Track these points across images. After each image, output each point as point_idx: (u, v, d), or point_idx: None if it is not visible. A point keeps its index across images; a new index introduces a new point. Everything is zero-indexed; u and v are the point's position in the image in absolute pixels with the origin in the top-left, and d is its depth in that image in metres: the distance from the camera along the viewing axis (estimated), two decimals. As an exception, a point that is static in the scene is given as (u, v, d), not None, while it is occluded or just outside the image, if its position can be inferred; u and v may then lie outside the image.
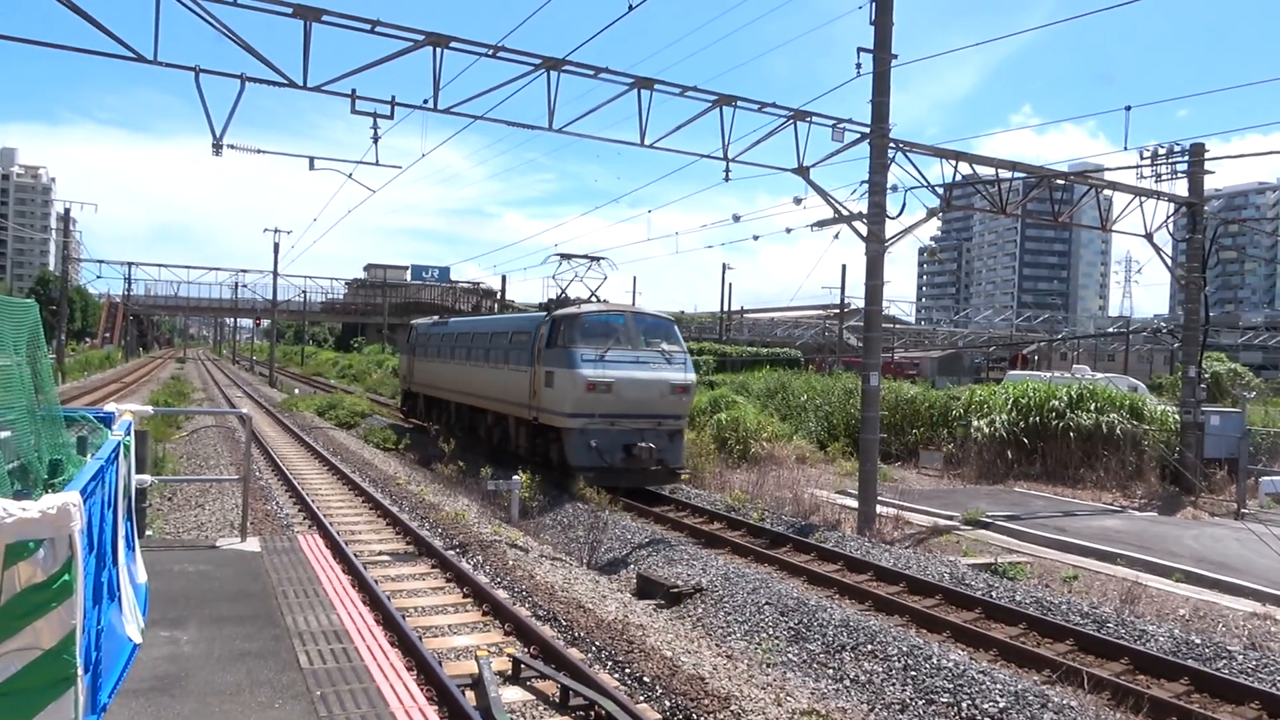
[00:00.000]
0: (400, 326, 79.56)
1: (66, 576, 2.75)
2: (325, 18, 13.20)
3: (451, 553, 11.43)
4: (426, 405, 27.91)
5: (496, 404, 21.01)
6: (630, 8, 12.66)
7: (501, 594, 9.64)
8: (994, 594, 10.60)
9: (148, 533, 9.10)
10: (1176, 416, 20.98)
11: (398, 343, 36.49)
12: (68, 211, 57.81)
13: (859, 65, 15.03)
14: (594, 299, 20.07)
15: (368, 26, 13.52)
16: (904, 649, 8.44)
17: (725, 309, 62.30)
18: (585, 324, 17.76)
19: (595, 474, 16.79)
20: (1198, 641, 9.05)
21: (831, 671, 8.33)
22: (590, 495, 15.47)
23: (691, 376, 18.13)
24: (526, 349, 19.10)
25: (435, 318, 32.52)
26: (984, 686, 7.62)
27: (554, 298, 20.32)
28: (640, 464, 17.06)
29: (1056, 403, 21.84)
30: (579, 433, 16.95)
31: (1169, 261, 22.35)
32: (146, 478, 7.57)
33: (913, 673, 8.04)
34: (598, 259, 21.01)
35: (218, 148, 14.23)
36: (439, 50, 13.98)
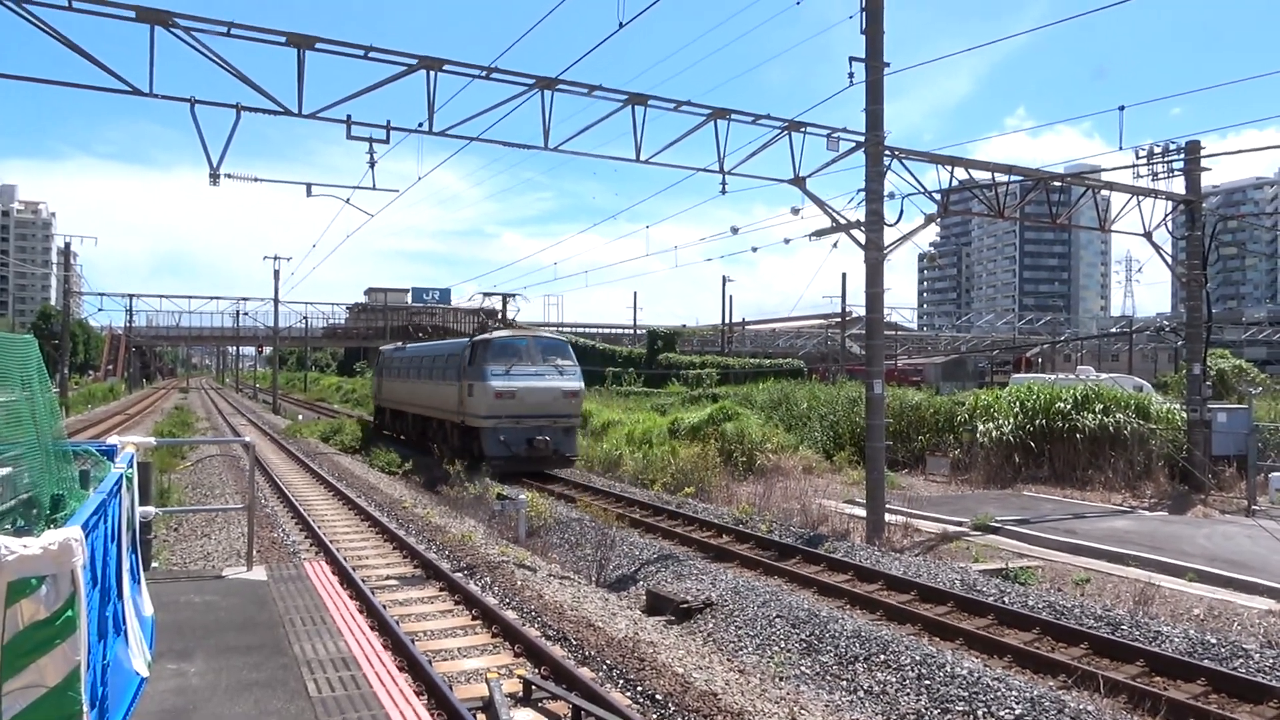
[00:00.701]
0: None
1: (70, 612, 2.73)
2: (319, 45, 13.28)
3: (459, 575, 11.39)
4: (392, 417, 32.48)
5: (438, 412, 25.56)
6: (620, 25, 12.72)
7: (510, 615, 9.59)
8: (1006, 599, 10.53)
9: (153, 564, 9.08)
10: (1183, 415, 20.91)
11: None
12: (68, 246, 58.00)
13: (852, 74, 15.09)
14: (513, 325, 25.92)
15: (361, 53, 13.59)
16: (917, 658, 8.38)
17: (727, 321, 62.32)
18: (495, 346, 22.37)
19: (504, 462, 21.13)
20: (1214, 641, 8.97)
21: (845, 683, 8.27)
22: (597, 512, 15.43)
23: (579, 384, 22.81)
24: (456, 368, 23.60)
25: (398, 344, 36.42)
26: (999, 694, 7.56)
27: (478, 325, 27.71)
28: (539, 453, 21.56)
29: (1062, 404, 21.77)
30: (492, 430, 21.43)
31: (1169, 260, 22.35)
32: (151, 509, 7.55)
33: (927, 682, 7.97)
34: (513, 295, 28.27)
35: (215, 177, 14.28)
36: (432, 73, 14.04)
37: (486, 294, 28.10)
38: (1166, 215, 21.23)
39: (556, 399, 22.09)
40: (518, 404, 21.56)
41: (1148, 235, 20.83)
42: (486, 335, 23.83)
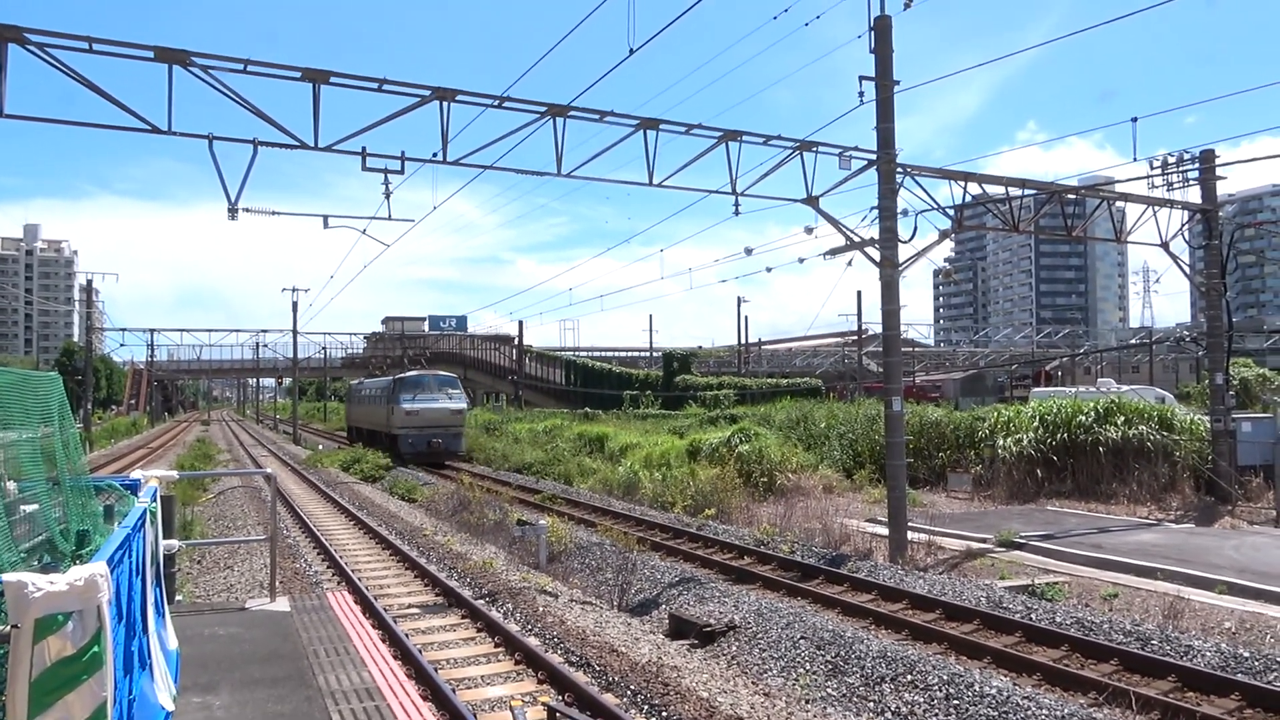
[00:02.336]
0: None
1: (96, 648, 2.74)
2: (333, 79, 13.45)
3: (481, 602, 11.37)
4: (356, 433, 45.05)
5: (377, 426, 37.75)
6: (631, 51, 12.84)
7: (533, 641, 9.56)
8: (1033, 616, 10.40)
9: (178, 598, 9.12)
10: (1207, 425, 20.68)
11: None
12: (90, 283, 58.71)
13: (862, 93, 15.13)
14: (421, 364, 45.84)
15: (375, 85, 13.75)
16: (944, 677, 8.29)
17: (743, 342, 62.26)
18: (407, 382, 35.45)
19: (412, 456, 32.88)
20: (1246, 655, 8.83)
21: (872, 705, 8.18)
22: (617, 536, 15.39)
23: (463, 405, 36.09)
24: (386, 396, 36.18)
25: (359, 380, 51.75)
26: (1029, 713, 7.45)
27: (404, 367, 46.42)
28: (435, 450, 33.39)
29: (1084, 418, 21.57)
30: (404, 435, 33.68)
31: (1187, 269, 22.21)
32: (174, 542, 7.60)
33: (955, 702, 7.88)
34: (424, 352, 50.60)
35: (233, 212, 14.43)
36: (446, 104, 14.18)
37: (407, 347, 46.45)
38: (1183, 225, 21.11)
39: (446, 415, 34.45)
40: (420, 419, 33.82)
41: (1165, 245, 20.70)
42: (402, 374, 37.32)
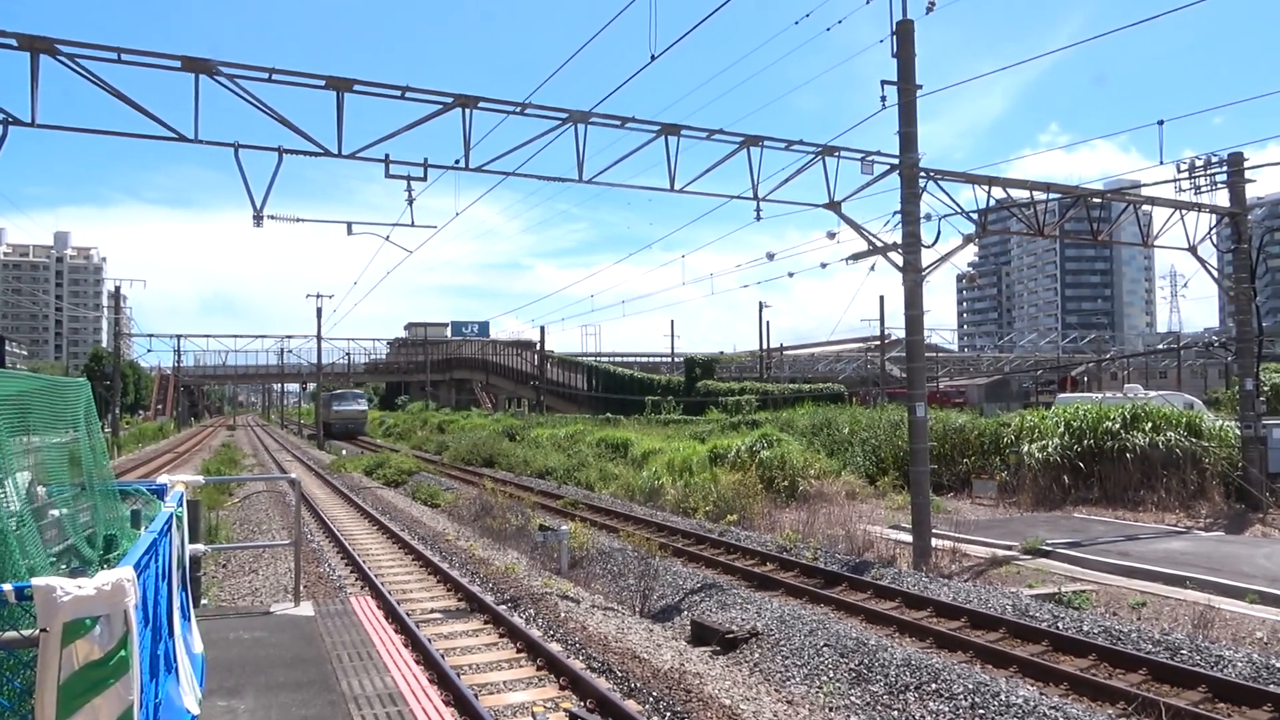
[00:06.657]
0: (443, 383, 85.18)
1: (123, 652, 2.76)
2: (356, 87, 13.55)
3: (503, 607, 11.39)
4: (325, 428, 65.18)
5: (324, 419, 65.18)
6: (652, 57, 12.85)
7: (555, 647, 9.56)
8: (1060, 625, 10.28)
9: (203, 602, 9.18)
10: (1237, 431, 20.38)
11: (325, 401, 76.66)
12: (118, 289, 59.53)
13: (884, 98, 15.06)
14: (349, 384, 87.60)
15: (398, 93, 13.84)
16: (970, 686, 8.20)
17: (764, 347, 62.08)
18: (336, 395, 72.41)
19: (338, 437, 63.08)
20: (1279, 665, 8.68)
21: (896, 713, 8.11)
22: (639, 542, 15.36)
23: (364, 407, 72.89)
24: (329, 403, 68.95)
25: (327, 392, 73.83)
26: (1056, 723, 7.35)
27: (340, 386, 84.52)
28: (350, 432, 65.93)
29: (1110, 424, 21.33)
30: (334, 424, 65.53)
31: (1215, 273, 21.91)
32: (200, 547, 7.66)
33: (980, 711, 7.79)
34: (358, 390, 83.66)
35: (258, 219, 14.56)
36: (468, 111, 14.26)
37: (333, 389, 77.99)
38: (1211, 228, 20.84)
39: (356, 413, 68.59)
40: (342, 415, 66.90)
41: (1192, 249, 20.45)
42: (334, 390, 74.10)
